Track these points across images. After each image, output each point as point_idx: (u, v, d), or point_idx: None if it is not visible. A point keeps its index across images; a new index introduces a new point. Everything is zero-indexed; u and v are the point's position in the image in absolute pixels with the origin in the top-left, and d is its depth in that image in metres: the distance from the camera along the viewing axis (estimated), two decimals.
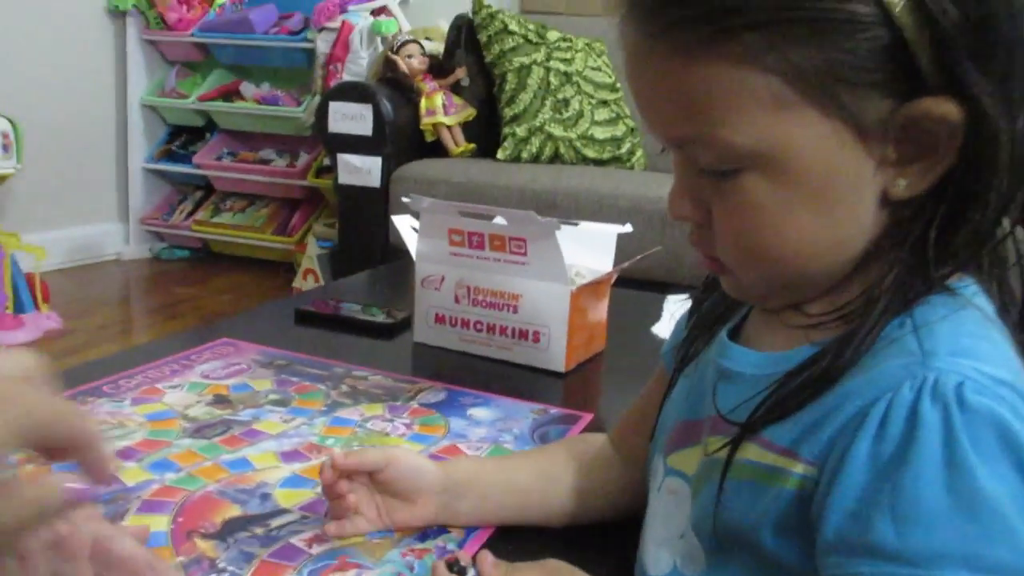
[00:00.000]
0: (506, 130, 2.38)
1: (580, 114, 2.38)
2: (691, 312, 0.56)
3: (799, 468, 0.40)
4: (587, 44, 2.48)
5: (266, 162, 3.22)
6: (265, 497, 0.63)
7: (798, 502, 0.40)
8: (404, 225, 1.08)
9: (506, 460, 0.65)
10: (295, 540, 0.57)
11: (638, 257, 1.01)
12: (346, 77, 2.80)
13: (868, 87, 0.38)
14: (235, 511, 0.61)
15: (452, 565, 0.52)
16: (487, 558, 0.53)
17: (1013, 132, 0.39)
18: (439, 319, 1.02)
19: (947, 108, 0.38)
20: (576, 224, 1.08)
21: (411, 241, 1.05)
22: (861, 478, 0.37)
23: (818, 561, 0.38)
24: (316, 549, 0.56)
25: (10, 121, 2.40)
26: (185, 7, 3.17)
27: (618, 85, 2.45)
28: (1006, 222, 0.42)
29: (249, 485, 0.65)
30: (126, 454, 0.69)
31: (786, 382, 0.42)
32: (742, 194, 0.41)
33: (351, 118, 2.32)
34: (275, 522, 0.60)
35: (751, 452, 0.43)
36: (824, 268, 0.43)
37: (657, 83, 0.41)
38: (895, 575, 0.35)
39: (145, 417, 0.76)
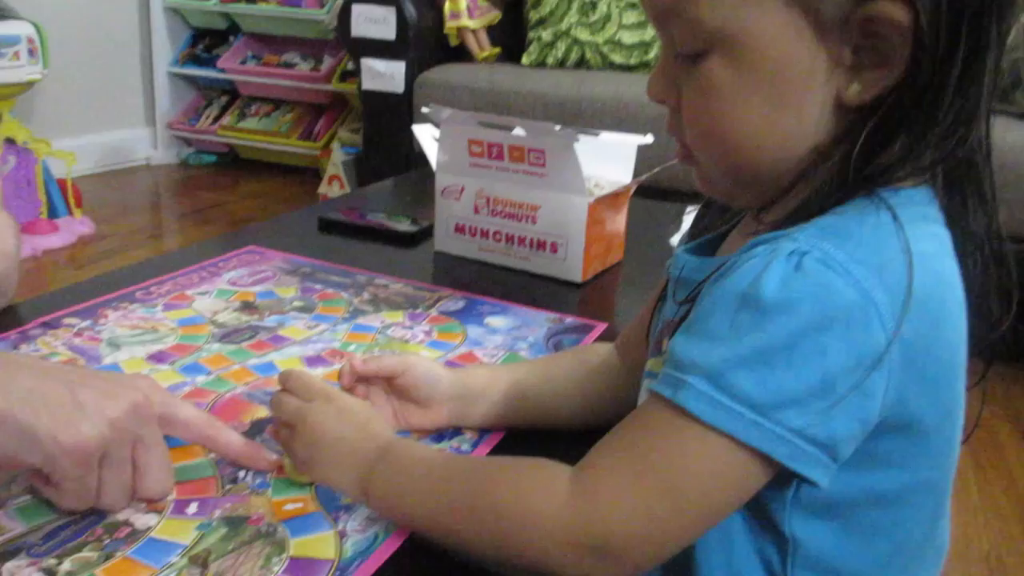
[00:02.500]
0: (531, 34, 2.33)
1: (608, 17, 2.33)
2: (692, 225, 0.58)
3: None
4: None
5: (290, 66, 3.20)
6: None
7: None
8: (424, 135, 1.09)
9: (518, 368, 0.68)
10: None
11: (656, 169, 1.01)
12: None
13: None
14: (262, 412, 0.64)
15: None
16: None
17: (954, 48, 0.40)
18: (459, 229, 1.03)
19: (897, 12, 0.39)
20: (597, 134, 1.08)
21: (431, 151, 1.06)
22: (692, 308, 0.42)
23: None
24: None
25: (34, 25, 2.40)
26: None
27: None
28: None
29: (275, 388, 0.68)
30: (159, 357, 0.72)
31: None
32: (705, 77, 0.44)
33: (374, 21, 2.29)
34: None
35: None
36: (773, 161, 0.44)
37: None
38: (666, 374, 0.41)
39: (176, 322, 0.79)
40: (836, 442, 0.39)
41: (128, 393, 0.51)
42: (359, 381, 0.62)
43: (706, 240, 0.54)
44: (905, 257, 0.39)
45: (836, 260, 0.38)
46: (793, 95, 0.42)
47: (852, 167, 0.41)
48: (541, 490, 0.43)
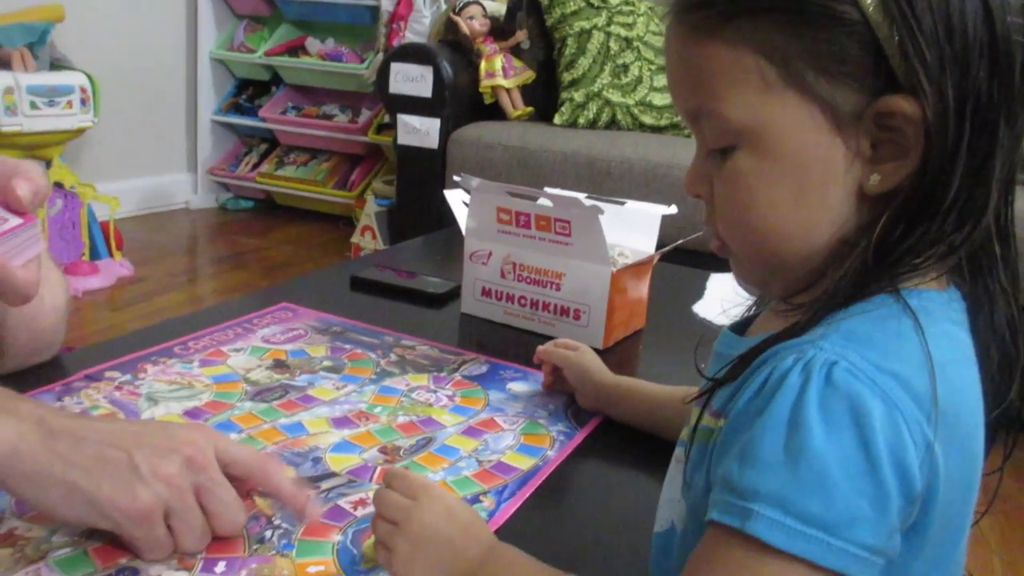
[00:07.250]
0: (564, 95, 2.39)
1: (639, 80, 2.38)
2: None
3: (722, 423, 0.45)
4: (650, 7, 2.46)
5: (329, 117, 3.29)
6: (317, 460, 0.69)
7: None
8: (455, 199, 1.12)
9: (653, 389, 0.80)
10: (342, 502, 0.63)
11: (679, 241, 1.04)
12: (408, 36, 2.84)
13: (844, 78, 0.42)
14: (290, 473, 0.67)
15: None
16: None
17: (962, 139, 0.42)
18: (485, 292, 1.06)
19: (907, 105, 0.41)
20: (622, 203, 1.11)
21: (461, 215, 1.09)
22: (733, 423, 0.42)
23: None
24: (360, 512, 0.62)
25: (88, 76, 2.50)
26: None
27: None
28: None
29: (303, 448, 0.71)
30: (195, 414, 0.75)
31: (738, 360, 0.46)
32: (733, 171, 0.46)
33: (412, 79, 2.36)
34: (325, 484, 0.66)
35: (705, 419, 0.48)
36: (799, 251, 0.46)
37: (675, 58, 0.47)
38: (727, 502, 0.41)
39: (211, 379, 0.83)
40: (896, 548, 0.40)
41: (182, 448, 0.55)
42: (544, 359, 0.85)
43: (746, 319, 0.56)
44: (928, 366, 0.40)
45: (862, 370, 0.39)
46: (816, 186, 0.44)
47: (873, 256, 0.43)
48: None
